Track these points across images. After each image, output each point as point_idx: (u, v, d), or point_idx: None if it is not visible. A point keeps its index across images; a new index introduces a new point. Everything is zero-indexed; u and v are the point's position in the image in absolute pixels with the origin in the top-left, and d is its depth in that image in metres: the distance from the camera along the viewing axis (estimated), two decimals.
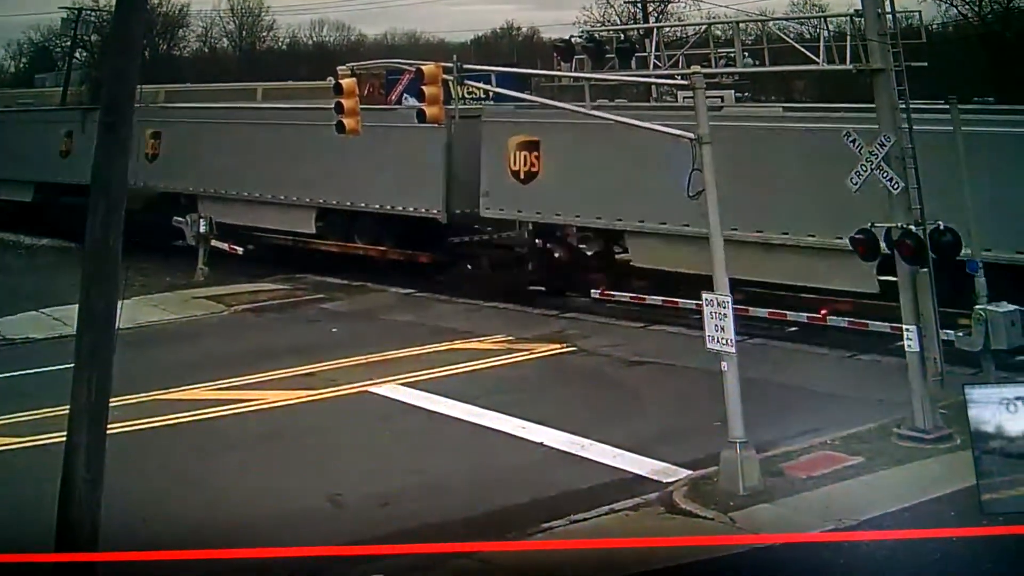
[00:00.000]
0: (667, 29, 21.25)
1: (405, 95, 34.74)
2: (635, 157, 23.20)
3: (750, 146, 21.95)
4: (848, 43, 15.90)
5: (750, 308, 21.67)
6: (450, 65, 16.22)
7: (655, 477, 15.08)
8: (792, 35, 19.39)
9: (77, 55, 69.96)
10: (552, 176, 25.66)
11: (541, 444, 16.60)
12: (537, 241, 27.67)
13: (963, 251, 16.01)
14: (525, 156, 26.25)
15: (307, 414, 18.61)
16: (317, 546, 12.77)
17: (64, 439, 10.54)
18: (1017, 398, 12.02)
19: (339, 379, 20.33)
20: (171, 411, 18.29)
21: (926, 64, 15.92)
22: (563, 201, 25.73)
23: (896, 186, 15.22)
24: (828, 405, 17.31)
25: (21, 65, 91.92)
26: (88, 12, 67.60)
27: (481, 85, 18.19)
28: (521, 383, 20.29)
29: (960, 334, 16.46)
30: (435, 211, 28.14)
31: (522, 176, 26.39)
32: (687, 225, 21.69)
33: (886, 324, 19.30)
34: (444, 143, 27.45)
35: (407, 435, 17.59)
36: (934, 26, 54.23)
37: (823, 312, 21.69)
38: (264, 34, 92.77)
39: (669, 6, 65.26)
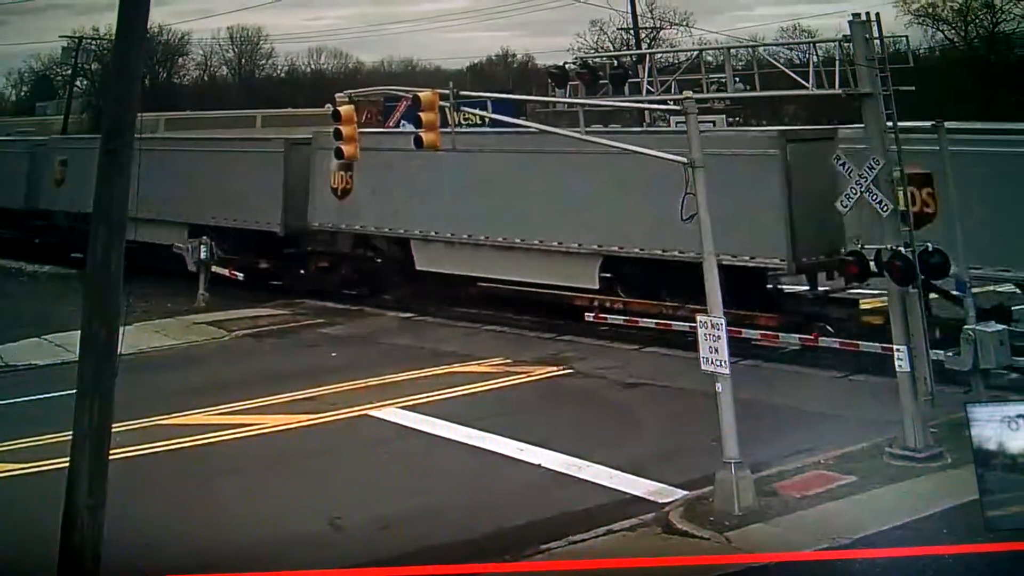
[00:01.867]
0: (659, 55, 21.38)
1: (403, 121, 35.04)
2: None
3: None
4: (837, 68, 16.03)
5: (743, 330, 21.84)
6: (446, 92, 16.36)
7: (651, 498, 15.16)
8: (782, 60, 19.54)
9: (78, 83, 70.37)
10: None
11: (539, 466, 16.69)
12: None
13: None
14: None
15: (307, 438, 18.70)
16: (317, 570, 12.89)
17: (66, 465, 10.64)
18: (1019, 416, 12.17)
19: (339, 403, 20.44)
20: (173, 436, 18.40)
21: (913, 88, 16.12)
22: None
23: (885, 208, 15.41)
24: (821, 425, 17.41)
25: (22, 93, 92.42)
26: (88, 41, 68.16)
27: (477, 111, 18.37)
28: (519, 405, 20.40)
29: (950, 354, 16.63)
30: None
31: None
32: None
33: (877, 345, 19.47)
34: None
35: (406, 458, 17.68)
36: (921, 51, 54.72)
37: (815, 334, 21.85)
38: (263, 62, 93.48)
39: (661, 33, 65.91)
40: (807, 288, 23.56)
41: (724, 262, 19.61)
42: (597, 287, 25.31)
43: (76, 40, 67.19)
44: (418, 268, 28.94)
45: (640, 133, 24.66)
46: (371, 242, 30.53)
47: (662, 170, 18.96)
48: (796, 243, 21.84)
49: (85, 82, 73.91)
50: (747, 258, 22.42)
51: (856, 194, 15.50)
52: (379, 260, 30.46)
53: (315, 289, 31.05)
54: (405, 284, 29.72)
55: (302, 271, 32.16)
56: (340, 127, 16.89)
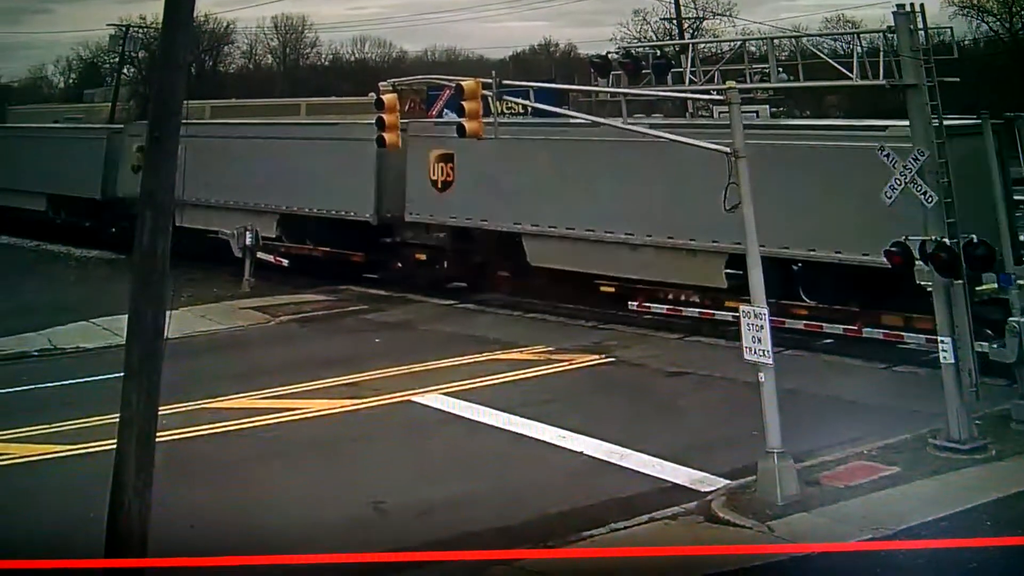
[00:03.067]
0: (702, 45, 21.29)
1: (446, 110, 35.23)
2: None
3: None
4: (881, 59, 15.94)
5: (786, 320, 21.79)
6: (489, 81, 16.41)
7: (694, 486, 15.18)
8: (826, 51, 19.50)
9: (125, 71, 70.94)
10: None
11: (581, 453, 16.73)
12: None
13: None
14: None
15: (351, 423, 18.84)
16: (360, 553, 12.99)
17: (114, 447, 10.72)
18: None
19: (382, 389, 20.57)
20: (217, 419, 18.59)
21: (958, 79, 16.00)
22: None
23: (930, 200, 15.30)
24: (864, 416, 17.37)
25: (70, 81, 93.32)
26: (136, 29, 68.66)
27: (520, 100, 18.38)
28: (561, 393, 20.43)
29: (994, 346, 16.51)
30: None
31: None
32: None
33: (921, 336, 19.37)
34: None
35: (449, 444, 17.78)
36: (965, 42, 54.10)
37: (858, 324, 21.76)
38: (307, 51, 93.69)
39: (704, 23, 65.56)
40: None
41: (339, 216, 31.43)
42: (275, 236, 33.35)
43: (123, 28, 67.83)
44: (178, 225, 34.00)
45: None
46: None
47: (313, 151, 31.33)
48: (380, 204, 30.67)
49: (132, 70, 74.48)
50: (352, 213, 31.23)
51: (901, 185, 15.40)
52: None
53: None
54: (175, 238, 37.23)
55: (112, 229, 40.01)
56: (383, 115, 17.02)
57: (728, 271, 23.34)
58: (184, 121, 10.36)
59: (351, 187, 30.95)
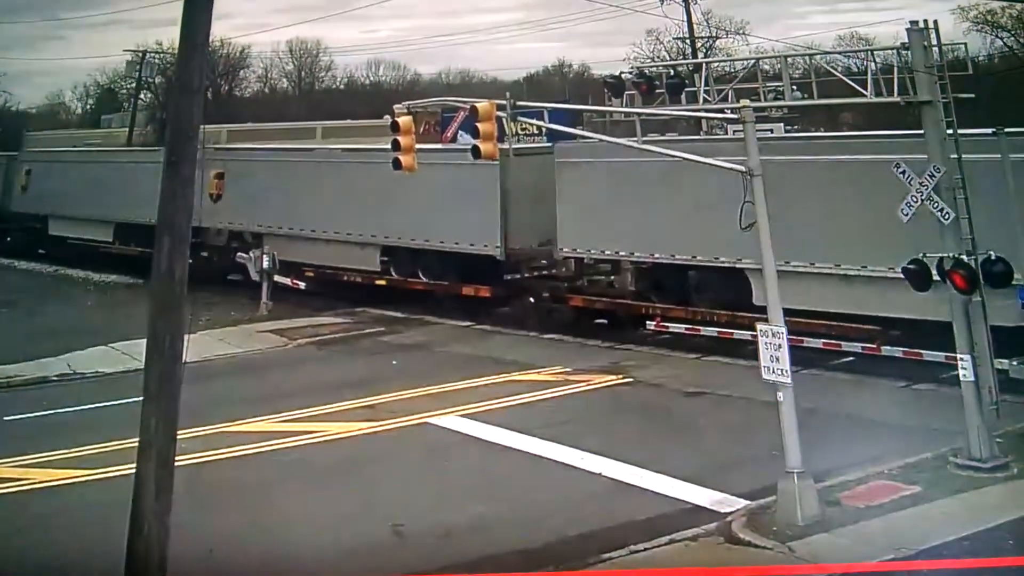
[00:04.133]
0: (716, 64, 21.32)
1: (460, 132, 35.38)
2: None
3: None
4: (895, 75, 15.90)
5: (805, 339, 21.73)
6: (504, 102, 16.44)
7: (713, 507, 15.09)
8: (839, 68, 19.45)
9: (142, 96, 71.19)
10: None
11: (600, 475, 16.67)
12: None
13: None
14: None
15: (368, 445, 18.83)
16: None
17: (133, 471, 10.78)
18: None
19: (400, 411, 20.57)
20: (236, 443, 18.61)
21: (973, 96, 15.93)
22: None
23: (947, 216, 15.24)
24: (884, 434, 17.24)
25: (88, 106, 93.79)
26: (152, 55, 68.85)
27: (534, 121, 18.39)
28: (579, 414, 20.38)
29: (1015, 363, 16.41)
30: None
31: None
32: None
33: (940, 354, 19.27)
34: None
35: (467, 466, 17.74)
36: (980, 58, 53.94)
37: (877, 342, 21.69)
38: (322, 74, 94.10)
39: (717, 42, 65.59)
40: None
41: (151, 224, 31.08)
42: (111, 240, 41.66)
43: (140, 54, 68.12)
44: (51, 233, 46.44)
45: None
46: (38, 218, 46.63)
47: (137, 172, 37.51)
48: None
49: (149, 95, 74.80)
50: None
51: (918, 202, 15.34)
52: (39, 226, 46.77)
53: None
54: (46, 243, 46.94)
55: (7, 239, 49.25)
56: (398, 138, 17.06)
57: (382, 258, 32.12)
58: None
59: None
